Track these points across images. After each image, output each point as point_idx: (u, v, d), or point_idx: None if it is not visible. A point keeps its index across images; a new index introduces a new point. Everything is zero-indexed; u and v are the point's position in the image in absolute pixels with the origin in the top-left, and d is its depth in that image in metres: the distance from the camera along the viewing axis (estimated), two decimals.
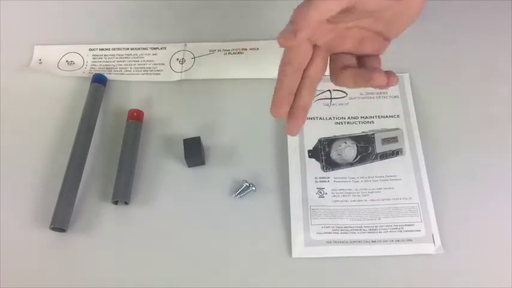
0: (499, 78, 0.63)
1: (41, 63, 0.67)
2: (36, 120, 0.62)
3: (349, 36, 0.47)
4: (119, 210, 0.55)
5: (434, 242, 0.52)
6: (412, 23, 0.46)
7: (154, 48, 0.68)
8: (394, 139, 0.59)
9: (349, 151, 0.58)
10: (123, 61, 0.67)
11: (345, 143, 0.59)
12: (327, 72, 0.65)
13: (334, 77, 0.47)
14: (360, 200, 0.55)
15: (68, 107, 0.63)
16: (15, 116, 0.62)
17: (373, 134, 0.59)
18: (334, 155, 0.58)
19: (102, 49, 0.68)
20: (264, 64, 0.66)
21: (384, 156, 0.58)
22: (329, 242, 0.53)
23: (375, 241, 0.52)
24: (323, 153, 0.58)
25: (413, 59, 0.65)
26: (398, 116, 0.60)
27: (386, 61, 0.65)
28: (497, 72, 0.64)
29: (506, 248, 0.52)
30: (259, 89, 0.63)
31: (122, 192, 0.55)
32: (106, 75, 0.65)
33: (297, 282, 0.51)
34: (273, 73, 0.65)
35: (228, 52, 0.67)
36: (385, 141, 0.59)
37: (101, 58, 0.67)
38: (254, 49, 0.67)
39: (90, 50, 0.68)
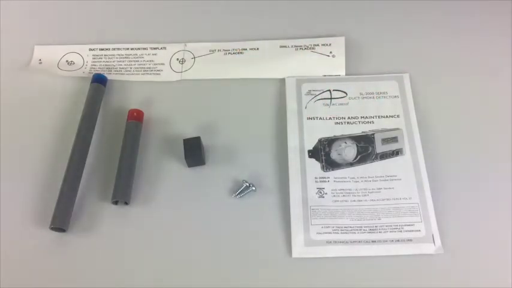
0: (499, 78, 0.63)
1: (41, 63, 0.67)
2: (36, 120, 0.62)
3: None
4: (119, 210, 0.55)
5: (434, 242, 0.52)
6: None
7: (154, 48, 0.68)
8: (394, 139, 0.59)
9: (349, 151, 0.58)
10: (123, 61, 0.67)
11: (345, 143, 0.59)
12: (325, 73, 0.65)
13: None
14: (360, 200, 0.55)
15: (68, 107, 0.63)
16: (15, 116, 0.62)
17: (373, 134, 0.59)
18: (334, 155, 0.58)
19: (102, 49, 0.68)
20: (264, 64, 0.66)
21: (384, 156, 0.58)
22: (329, 242, 0.53)
23: (375, 241, 0.52)
24: (323, 153, 0.58)
25: (413, 59, 0.65)
26: (398, 116, 0.60)
27: (387, 61, 0.65)
28: (497, 72, 0.64)
29: (506, 248, 0.52)
30: (259, 89, 0.64)
31: (122, 192, 0.55)
32: (106, 75, 0.65)
33: (297, 282, 0.51)
34: (273, 73, 0.66)
35: (228, 52, 0.67)
36: (385, 141, 0.59)
37: (101, 58, 0.67)
38: (254, 49, 0.67)
39: (90, 50, 0.68)
